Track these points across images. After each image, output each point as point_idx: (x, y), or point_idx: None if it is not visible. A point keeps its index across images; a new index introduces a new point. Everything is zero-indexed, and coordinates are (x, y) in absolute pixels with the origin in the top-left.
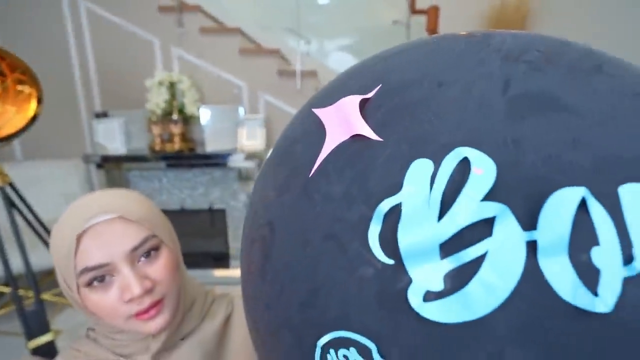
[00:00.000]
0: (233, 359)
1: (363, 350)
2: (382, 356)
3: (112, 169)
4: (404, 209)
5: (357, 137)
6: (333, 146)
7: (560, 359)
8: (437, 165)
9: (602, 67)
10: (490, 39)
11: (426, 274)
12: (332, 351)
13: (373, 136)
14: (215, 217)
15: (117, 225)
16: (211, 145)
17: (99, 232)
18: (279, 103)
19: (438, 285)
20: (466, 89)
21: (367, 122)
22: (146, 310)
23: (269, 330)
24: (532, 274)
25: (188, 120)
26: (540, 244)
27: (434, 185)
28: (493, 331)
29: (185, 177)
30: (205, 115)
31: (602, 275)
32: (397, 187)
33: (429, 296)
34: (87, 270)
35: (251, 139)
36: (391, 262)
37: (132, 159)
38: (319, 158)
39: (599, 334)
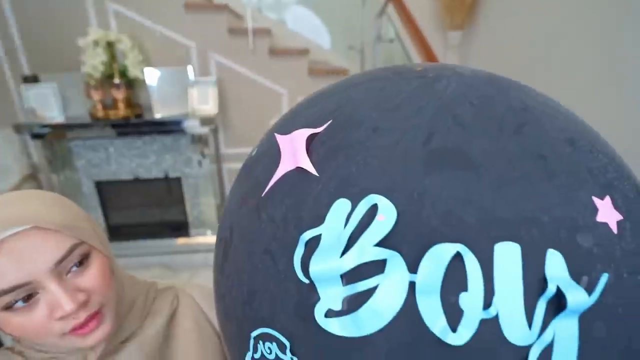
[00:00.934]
0: (180, 358)
1: (281, 346)
2: (292, 353)
3: (52, 139)
4: (322, 239)
5: (300, 169)
6: (282, 173)
7: None
8: (353, 206)
9: (523, 128)
10: (436, 83)
11: (329, 296)
12: (261, 342)
13: (312, 170)
14: (172, 186)
15: (33, 237)
16: (160, 111)
17: (11, 249)
18: (231, 64)
19: (337, 306)
20: (396, 138)
21: (311, 155)
22: (83, 325)
23: (221, 317)
24: (410, 307)
25: (132, 84)
26: (418, 285)
27: (348, 224)
28: (375, 347)
29: (134, 146)
30: (151, 78)
31: (464, 316)
32: (321, 220)
33: (330, 313)
34: (3, 293)
35: (203, 103)
36: (307, 281)
37: (72, 127)
38: (271, 181)
39: (456, 358)
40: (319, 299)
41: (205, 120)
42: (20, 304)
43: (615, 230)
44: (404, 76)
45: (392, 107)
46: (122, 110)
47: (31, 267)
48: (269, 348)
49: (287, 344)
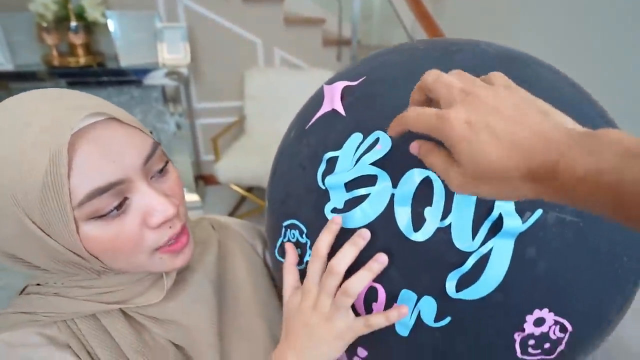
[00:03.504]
0: (237, 293)
1: (300, 232)
2: (307, 236)
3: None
4: (339, 159)
5: (335, 110)
6: (322, 113)
7: (397, 262)
8: (364, 138)
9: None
10: (456, 54)
11: (336, 198)
12: (288, 230)
13: (342, 111)
14: None
15: (115, 129)
16: (126, 59)
17: (97, 139)
18: (202, 10)
19: (340, 205)
20: (408, 92)
21: (343, 101)
22: (177, 239)
23: (267, 214)
24: (388, 211)
25: (91, 28)
26: (396, 196)
27: (357, 150)
28: None
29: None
30: (113, 23)
31: (426, 222)
32: (340, 146)
33: (335, 210)
34: (97, 193)
35: (173, 53)
36: (324, 188)
37: (23, 76)
38: (313, 118)
39: (415, 251)
40: (329, 199)
41: (176, 72)
42: (114, 212)
43: None
44: (433, 47)
45: (412, 70)
46: (81, 58)
47: (123, 162)
48: (293, 234)
49: (305, 230)
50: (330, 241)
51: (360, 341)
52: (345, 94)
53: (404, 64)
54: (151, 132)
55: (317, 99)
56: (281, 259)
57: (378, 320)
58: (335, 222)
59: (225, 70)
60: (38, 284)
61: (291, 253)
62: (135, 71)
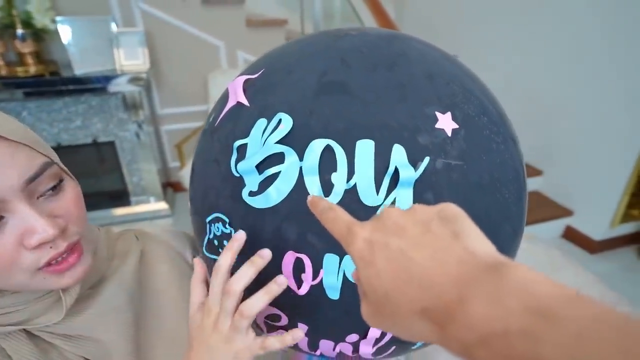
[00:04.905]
0: (160, 298)
1: (223, 223)
2: (230, 225)
3: None
4: (248, 146)
5: (239, 103)
6: (228, 108)
7: (314, 228)
8: (268, 122)
9: (394, 67)
10: (342, 38)
11: (250, 182)
12: (212, 225)
13: (245, 102)
14: (104, 152)
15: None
16: (80, 67)
17: None
18: (161, 14)
19: (255, 188)
20: (301, 76)
21: (246, 93)
22: (63, 259)
23: (192, 215)
24: (300, 183)
25: (41, 36)
26: (304, 168)
27: (264, 134)
28: (277, 212)
29: (53, 108)
30: (65, 30)
31: (334, 187)
32: (247, 134)
33: (251, 194)
34: None
35: (131, 59)
36: (238, 175)
37: None
38: (221, 115)
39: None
40: (244, 185)
41: (136, 78)
42: None
43: (449, 134)
44: (325, 34)
45: (305, 56)
46: (31, 67)
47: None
48: (217, 227)
49: (227, 219)
50: (232, 259)
51: (298, 317)
52: (247, 87)
53: (296, 53)
54: (113, 143)
55: (224, 97)
56: (210, 256)
57: (273, 343)
58: (236, 240)
59: (188, 74)
60: None
61: (199, 268)
62: (96, 79)
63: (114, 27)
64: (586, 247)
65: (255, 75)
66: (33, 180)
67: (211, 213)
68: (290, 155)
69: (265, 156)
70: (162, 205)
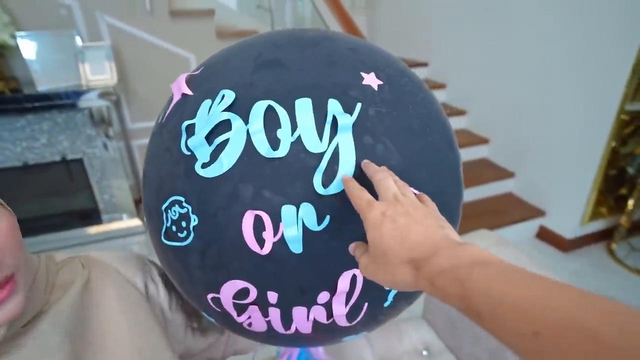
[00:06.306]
0: (105, 328)
1: (180, 204)
2: (187, 203)
3: None
4: (196, 124)
5: (184, 95)
6: (174, 103)
7: (268, 184)
8: (212, 101)
9: (320, 44)
10: (271, 34)
11: (202, 155)
12: (169, 211)
13: (189, 91)
14: (72, 169)
15: None
16: (44, 83)
17: None
18: (126, 27)
19: (207, 159)
20: (240, 60)
21: (190, 87)
22: None
23: (145, 212)
24: (249, 145)
25: (1, 52)
26: (250, 130)
27: (210, 110)
28: (230, 178)
29: (16, 127)
30: (27, 45)
31: (281, 142)
32: (194, 114)
33: (204, 165)
34: None
35: (98, 73)
36: (189, 153)
37: None
38: (167, 111)
39: (281, 167)
40: (197, 159)
41: (104, 93)
42: None
43: (375, 88)
44: (260, 34)
45: (240, 48)
46: None
47: None
48: (174, 211)
49: (183, 198)
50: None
51: (266, 285)
52: (189, 81)
53: (236, 46)
54: (81, 160)
55: (169, 99)
56: (170, 243)
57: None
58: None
59: (159, 87)
60: None
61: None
62: (65, 95)
63: (79, 41)
64: (559, 246)
65: (198, 72)
66: None
67: (166, 200)
68: (236, 121)
69: (213, 126)
70: (136, 222)
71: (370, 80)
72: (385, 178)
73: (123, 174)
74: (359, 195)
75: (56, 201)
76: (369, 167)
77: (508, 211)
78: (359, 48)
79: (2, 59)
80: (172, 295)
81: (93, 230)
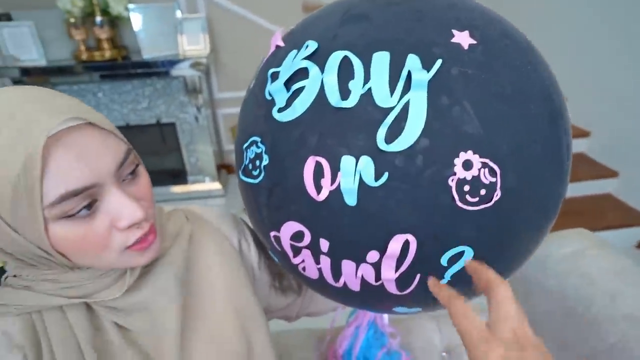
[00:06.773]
0: (206, 280)
1: (257, 144)
2: (262, 143)
3: (33, 83)
4: (280, 72)
5: (277, 46)
6: (268, 56)
7: (333, 133)
8: (298, 50)
9: (401, 4)
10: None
11: (279, 99)
12: (248, 150)
13: (281, 43)
14: (165, 132)
15: (91, 135)
16: (149, 52)
17: (71, 144)
18: (222, 1)
19: (283, 104)
20: (329, 15)
21: (284, 41)
22: (145, 238)
23: (235, 149)
24: (321, 93)
25: (115, 22)
26: (324, 78)
27: (295, 58)
28: (302, 122)
29: (124, 90)
30: (136, 17)
31: (352, 92)
32: (280, 63)
33: (280, 110)
34: (68, 196)
35: (193, 44)
36: (270, 98)
37: (57, 71)
38: (261, 65)
39: (347, 117)
40: (275, 104)
41: (195, 63)
42: (84, 212)
43: (465, 47)
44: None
45: (337, 4)
46: (107, 52)
47: (97, 167)
48: (252, 151)
49: (259, 139)
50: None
51: (320, 232)
52: (284, 38)
53: (332, 4)
54: (174, 124)
55: (266, 55)
56: (246, 179)
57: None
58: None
59: (246, 59)
60: (15, 275)
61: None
62: (161, 63)
63: (178, 13)
64: None
65: (290, 30)
66: (122, 165)
67: (248, 139)
68: (313, 69)
69: (292, 72)
70: (216, 186)
71: (461, 38)
72: (508, 299)
73: (208, 140)
74: (467, 320)
75: (151, 160)
76: (481, 271)
77: (605, 214)
78: (459, 4)
79: (116, 29)
80: (261, 255)
81: (178, 189)
